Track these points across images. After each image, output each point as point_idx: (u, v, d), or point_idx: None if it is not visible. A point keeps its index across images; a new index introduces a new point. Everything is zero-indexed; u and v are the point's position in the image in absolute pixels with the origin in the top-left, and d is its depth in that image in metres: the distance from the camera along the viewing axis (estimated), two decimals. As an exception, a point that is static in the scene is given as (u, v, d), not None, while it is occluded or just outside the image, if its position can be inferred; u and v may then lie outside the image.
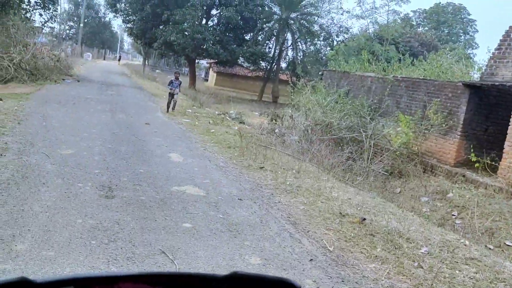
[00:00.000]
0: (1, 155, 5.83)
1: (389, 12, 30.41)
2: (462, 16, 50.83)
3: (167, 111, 13.81)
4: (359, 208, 5.84)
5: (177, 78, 14.17)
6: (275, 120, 17.07)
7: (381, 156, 12.64)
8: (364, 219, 5.29)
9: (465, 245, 5.06)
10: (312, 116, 14.94)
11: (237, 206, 5.27)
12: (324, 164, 10.42)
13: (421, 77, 13.93)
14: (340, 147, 13.36)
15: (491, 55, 10.85)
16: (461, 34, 50.59)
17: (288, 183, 6.69)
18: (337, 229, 4.87)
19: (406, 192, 11.15)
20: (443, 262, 4.35)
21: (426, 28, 45.84)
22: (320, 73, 21.48)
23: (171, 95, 13.87)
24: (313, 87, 17.39)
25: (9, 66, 15.53)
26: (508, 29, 10.24)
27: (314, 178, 7.56)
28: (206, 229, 4.28)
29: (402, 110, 13.45)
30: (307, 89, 16.87)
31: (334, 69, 19.47)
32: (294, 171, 7.85)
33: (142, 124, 10.57)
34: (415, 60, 17.50)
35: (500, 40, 10.35)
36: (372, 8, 31.10)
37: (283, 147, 11.15)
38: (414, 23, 47.31)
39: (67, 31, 59.61)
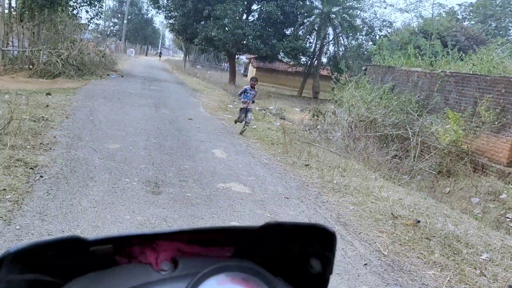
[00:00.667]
0: (51, 148, 5.92)
1: (434, 5, 29.39)
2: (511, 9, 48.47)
3: (240, 133, 9.96)
4: (411, 210, 5.56)
5: (253, 87, 10.28)
6: (317, 116, 16.77)
7: (429, 154, 12.17)
8: (418, 221, 5.02)
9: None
10: (356, 112, 14.58)
11: (284, 205, 5.11)
12: (370, 162, 10.10)
13: (471, 72, 13.28)
14: (385, 145, 12.98)
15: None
16: (510, 28, 48.25)
17: (335, 181, 6.47)
18: (391, 232, 4.63)
19: (456, 193, 10.66)
20: (507, 270, 4.04)
21: (473, 22, 44.00)
22: (363, 68, 20.96)
23: (244, 111, 9.98)
24: (357, 83, 16.95)
25: (57, 61, 15.96)
26: None
27: (361, 176, 7.30)
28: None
29: (450, 107, 12.89)
30: (351, 84, 16.47)
31: (378, 64, 18.94)
32: (340, 169, 7.61)
33: (185, 119, 10.58)
34: (463, 55, 16.73)
35: None
36: (417, 1, 30.08)
37: (327, 144, 10.89)
38: (460, 16, 45.50)
39: (111, 28, 61.09)
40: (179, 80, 25.88)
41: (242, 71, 54.93)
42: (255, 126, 11.08)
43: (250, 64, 50.28)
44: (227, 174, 6.11)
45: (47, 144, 6.10)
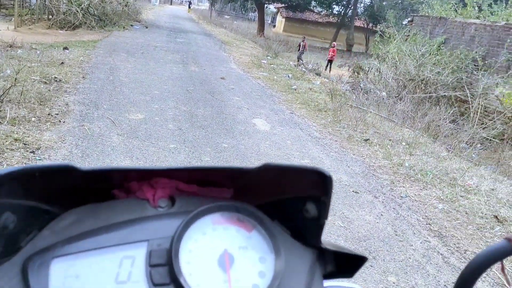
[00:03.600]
0: (60, 121, 4.82)
1: None
2: None
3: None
4: (513, 207, 4.32)
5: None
6: (358, 73, 15.22)
7: (491, 119, 10.68)
8: (535, 230, 3.80)
9: None
10: (403, 70, 13.02)
11: (355, 204, 3.93)
12: (430, 131, 8.76)
13: (546, 25, 11.46)
14: (438, 107, 11.45)
15: None
16: None
17: (406, 164, 5.24)
18: (505, 249, 3.42)
19: (526, 166, 9.26)
20: None
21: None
22: (409, 19, 18.99)
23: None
24: (404, 36, 15.21)
25: (77, 11, 14.71)
26: None
27: (432, 154, 6.03)
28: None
29: (517, 65, 11.20)
30: (398, 37, 14.76)
31: (427, 14, 16.97)
32: (404, 144, 6.34)
33: (217, 79, 9.33)
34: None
35: None
36: None
37: (377, 108, 9.52)
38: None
39: (135, -25, 58.87)
40: (206, 31, 24.32)
41: (269, 21, 52.49)
42: (295, 87, 9.76)
43: (279, 14, 47.86)
44: (275, 155, 4.93)
45: (56, 115, 5.00)
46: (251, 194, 0.56)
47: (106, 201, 0.52)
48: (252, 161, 4.60)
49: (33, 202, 0.48)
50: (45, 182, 0.47)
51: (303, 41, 19.79)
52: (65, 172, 0.48)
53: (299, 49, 19.72)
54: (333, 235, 3.25)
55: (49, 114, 4.96)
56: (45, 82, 6.36)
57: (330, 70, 18.92)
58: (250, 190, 0.56)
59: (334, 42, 21.02)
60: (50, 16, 14.78)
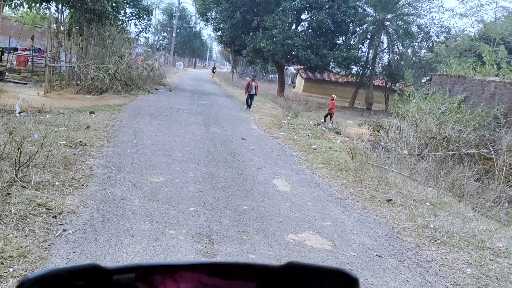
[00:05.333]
0: (83, 185, 4.91)
1: (496, 8, 26.98)
2: None
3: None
4: (547, 272, 4.10)
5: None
6: (378, 131, 15.24)
7: (516, 177, 10.42)
8: None
9: None
10: (424, 128, 12.98)
11: (380, 269, 3.80)
12: (454, 190, 8.57)
13: None
14: (461, 166, 11.25)
15: None
16: None
17: (431, 226, 5.09)
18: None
19: (559, 226, 8.87)
20: None
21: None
22: (427, 78, 19.20)
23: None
24: (423, 95, 15.29)
25: (104, 77, 15.39)
26: None
27: (458, 215, 5.85)
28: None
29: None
30: (417, 96, 14.85)
31: (445, 73, 17.13)
32: (428, 204, 6.20)
33: (238, 139, 9.46)
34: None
35: None
36: (477, 5, 27.75)
37: (399, 167, 9.42)
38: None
39: (161, 41, 61.69)
40: (227, 93, 25.01)
41: (289, 82, 53.71)
42: (315, 146, 9.79)
43: (298, 75, 49.08)
44: (296, 217, 4.87)
45: (80, 178, 5.11)
46: None
47: None
48: (273, 224, 4.54)
49: None
50: (71, 284, 0.49)
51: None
52: (92, 273, 0.49)
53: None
54: None
55: (72, 178, 5.07)
56: (71, 146, 6.55)
57: (332, 122, 18.47)
58: (275, 285, 0.55)
59: (333, 95, 20.79)
60: (79, 82, 15.46)
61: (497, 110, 12.65)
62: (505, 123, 11.92)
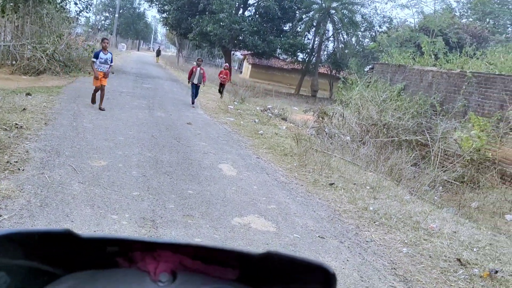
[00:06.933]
0: (19, 169, 4.67)
1: (436, 1, 28.24)
2: (510, 7, 47.31)
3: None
4: (475, 250, 4.40)
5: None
6: (323, 118, 15.58)
7: (450, 163, 11.03)
8: (496, 271, 3.86)
9: None
10: (366, 115, 13.41)
11: (322, 250, 3.92)
12: (393, 174, 8.96)
13: (496, 73, 12.13)
14: (400, 151, 11.76)
15: None
16: (509, 26, 47.12)
17: (371, 208, 5.30)
18: (469, 293, 3.46)
19: (485, 208, 9.50)
20: None
21: (471, 19, 42.96)
22: (370, 66, 19.80)
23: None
24: (365, 82, 15.78)
25: (42, 57, 14.59)
26: None
27: (395, 198, 6.13)
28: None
29: (472, 110, 11.73)
30: (359, 84, 15.29)
31: (387, 62, 17.75)
32: (368, 187, 6.44)
33: (183, 124, 9.34)
34: (475, 53, 15.58)
35: None
36: (419, -4, 28.90)
37: (341, 152, 9.70)
38: (458, 13, 44.38)
39: (102, 22, 59.29)
40: (173, 77, 24.55)
41: (236, 67, 53.55)
42: (262, 132, 9.86)
43: (245, 61, 49.01)
44: (242, 201, 4.90)
45: (16, 162, 4.84)
46: (257, 279, 0.55)
47: (108, 267, 0.52)
48: (218, 207, 4.55)
49: (32, 263, 0.48)
50: (45, 245, 0.48)
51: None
52: (64, 237, 0.48)
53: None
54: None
55: (8, 162, 4.80)
56: (5, 129, 6.19)
57: (222, 95, 16.77)
58: (256, 274, 0.54)
59: (226, 64, 18.98)
60: (14, 62, 14.59)
61: (434, 98, 13.30)
62: (440, 111, 12.56)
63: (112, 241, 0.51)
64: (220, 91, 16.96)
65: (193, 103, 12.95)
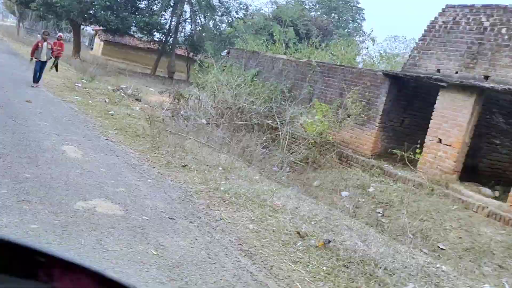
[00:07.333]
0: None
1: (288, -8, 30.01)
2: (352, 4, 52.54)
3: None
4: (313, 223, 4.83)
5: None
6: (179, 100, 15.46)
7: (297, 145, 11.90)
8: (329, 241, 4.29)
9: (442, 270, 4.33)
10: (221, 98, 13.70)
11: (171, 231, 3.90)
12: (245, 156, 9.33)
13: (337, 64, 13.38)
14: (252, 134, 12.31)
15: (415, 45, 10.56)
16: (350, 21, 52.35)
17: (222, 188, 5.44)
18: (305, 261, 3.78)
19: (325, 185, 10.51)
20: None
21: (319, 13, 46.66)
22: (226, 51, 20.19)
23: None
24: (221, 66, 16.06)
25: None
26: (433, 19, 9.94)
27: (246, 178, 6.41)
28: (139, 281, 2.88)
29: (316, 97, 12.79)
30: (215, 68, 15.51)
31: (242, 48, 18.28)
32: (221, 168, 6.60)
33: (22, 102, 8.40)
34: (321, 45, 17.03)
35: (425, 31, 10.02)
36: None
37: (196, 135, 9.76)
38: (307, 6, 47.79)
39: None
40: (12, 50, 21.93)
41: (87, 44, 49.97)
42: (113, 112, 9.40)
43: (97, 37, 45.95)
44: (87, 184, 4.60)
45: None
46: None
47: (31, 275, 0.49)
48: (59, 192, 4.20)
49: None
50: None
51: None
52: None
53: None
54: (146, 264, 3.14)
55: None
56: None
57: (57, 69, 14.88)
58: None
59: (60, 34, 17.22)
60: None
61: (284, 85, 14.14)
62: (289, 97, 13.42)
63: (39, 252, 0.50)
64: (55, 65, 14.77)
65: (36, 82, 11.26)
